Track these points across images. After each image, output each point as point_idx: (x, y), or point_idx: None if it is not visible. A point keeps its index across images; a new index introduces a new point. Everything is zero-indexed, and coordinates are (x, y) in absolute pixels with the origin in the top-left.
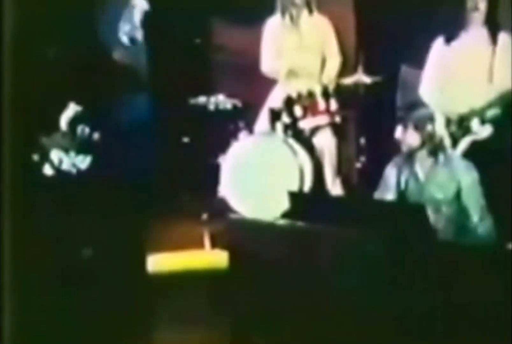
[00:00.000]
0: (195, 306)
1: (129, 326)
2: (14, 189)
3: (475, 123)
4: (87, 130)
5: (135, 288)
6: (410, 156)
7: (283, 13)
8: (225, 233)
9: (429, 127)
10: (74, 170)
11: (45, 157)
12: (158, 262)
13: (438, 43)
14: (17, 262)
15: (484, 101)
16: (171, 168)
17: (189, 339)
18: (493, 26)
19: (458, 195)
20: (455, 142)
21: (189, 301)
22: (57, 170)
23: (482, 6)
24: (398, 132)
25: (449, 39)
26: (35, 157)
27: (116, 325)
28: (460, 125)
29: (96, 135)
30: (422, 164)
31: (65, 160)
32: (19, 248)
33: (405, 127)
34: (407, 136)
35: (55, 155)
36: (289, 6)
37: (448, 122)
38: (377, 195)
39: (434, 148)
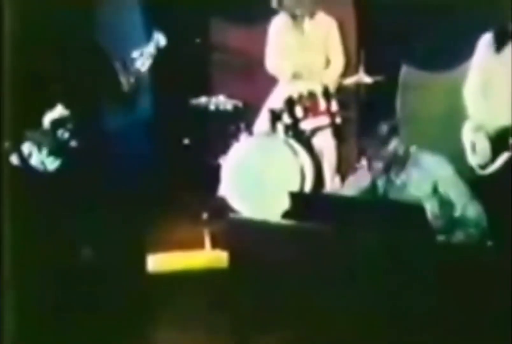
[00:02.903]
0: (195, 306)
1: (129, 326)
2: None
3: None
4: (66, 135)
5: (135, 288)
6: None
7: (287, 12)
8: (226, 233)
9: (390, 150)
10: (41, 167)
11: (16, 147)
12: (158, 262)
13: (482, 44)
14: (17, 261)
15: None
16: (172, 169)
17: (189, 339)
18: None
19: (435, 189)
20: (494, 156)
21: (189, 301)
22: (25, 162)
23: None
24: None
25: (493, 41)
26: (6, 144)
27: (116, 325)
28: (499, 140)
29: (73, 143)
30: (395, 172)
31: (35, 155)
32: (18, 246)
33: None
34: (372, 166)
35: (27, 148)
36: (293, 6)
37: (489, 135)
38: (345, 191)
39: (401, 160)
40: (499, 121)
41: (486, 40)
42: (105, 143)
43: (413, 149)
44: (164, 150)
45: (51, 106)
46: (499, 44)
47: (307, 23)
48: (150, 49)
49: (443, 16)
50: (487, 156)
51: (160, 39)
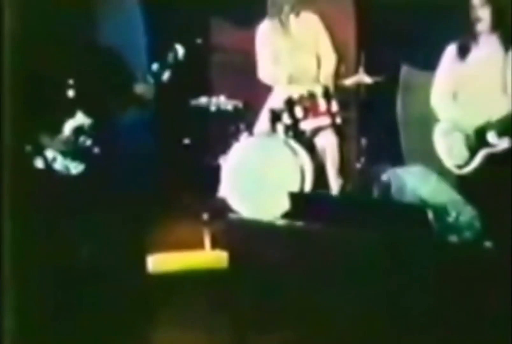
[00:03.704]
0: (195, 306)
1: (129, 326)
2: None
3: (491, 136)
4: (88, 142)
5: (135, 288)
6: None
7: (271, 16)
8: (226, 233)
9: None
10: (65, 172)
11: (39, 152)
12: (158, 262)
13: (449, 53)
14: (17, 261)
15: (499, 112)
16: (172, 169)
17: (189, 339)
18: (504, 33)
19: (426, 203)
20: (472, 155)
21: (189, 301)
22: (49, 166)
23: (485, 14)
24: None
25: (460, 49)
26: (28, 148)
27: (116, 325)
28: (477, 138)
29: (96, 149)
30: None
31: (59, 160)
32: (18, 246)
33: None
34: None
35: (50, 153)
36: (277, 8)
37: (465, 135)
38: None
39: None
40: (474, 119)
41: (452, 48)
42: (119, 145)
43: (392, 173)
44: (164, 150)
45: (69, 111)
46: (465, 51)
47: (293, 23)
48: (169, 60)
49: (443, 16)
50: (464, 156)
51: (179, 50)
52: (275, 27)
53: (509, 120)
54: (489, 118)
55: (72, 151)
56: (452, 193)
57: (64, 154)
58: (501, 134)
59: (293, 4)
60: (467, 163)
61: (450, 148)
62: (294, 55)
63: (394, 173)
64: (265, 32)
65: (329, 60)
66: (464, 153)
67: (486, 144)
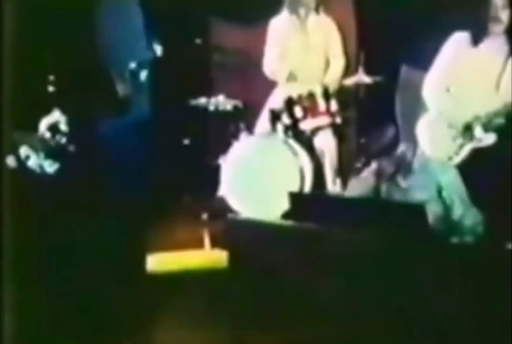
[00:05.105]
0: (195, 306)
1: (129, 326)
2: None
3: (478, 131)
4: (63, 139)
5: (135, 288)
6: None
7: (290, 12)
8: (225, 233)
9: (399, 152)
10: (39, 170)
11: (13, 150)
12: (158, 262)
13: (452, 44)
14: (16, 260)
15: (489, 109)
16: (172, 169)
17: (189, 339)
18: None
19: (440, 193)
20: (458, 149)
21: (189, 301)
22: (22, 164)
23: (504, 17)
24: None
25: (466, 42)
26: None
27: (116, 325)
28: (464, 132)
29: (71, 147)
30: (402, 176)
31: (33, 158)
32: (18, 246)
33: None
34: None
35: (24, 151)
36: (297, 6)
37: (452, 128)
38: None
39: (409, 164)
40: (464, 113)
41: (460, 37)
42: (103, 145)
43: (420, 151)
44: (164, 151)
45: (47, 110)
46: (477, 40)
47: (310, 23)
48: (147, 59)
49: (443, 16)
50: (450, 150)
51: (157, 50)
52: (293, 23)
53: (496, 115)
54: (478, 113)
55: (47, 149)
56: (463, 192)
57: (39, 152)
58: (487, 129)
59: (316, 3)
60: (451, 157)
61: (435, 141)
62: (303, 53)
63: (420, 152)
64: (279, 26)
65: (338, 64)
66: (450, 147)
67: (472, 138)
